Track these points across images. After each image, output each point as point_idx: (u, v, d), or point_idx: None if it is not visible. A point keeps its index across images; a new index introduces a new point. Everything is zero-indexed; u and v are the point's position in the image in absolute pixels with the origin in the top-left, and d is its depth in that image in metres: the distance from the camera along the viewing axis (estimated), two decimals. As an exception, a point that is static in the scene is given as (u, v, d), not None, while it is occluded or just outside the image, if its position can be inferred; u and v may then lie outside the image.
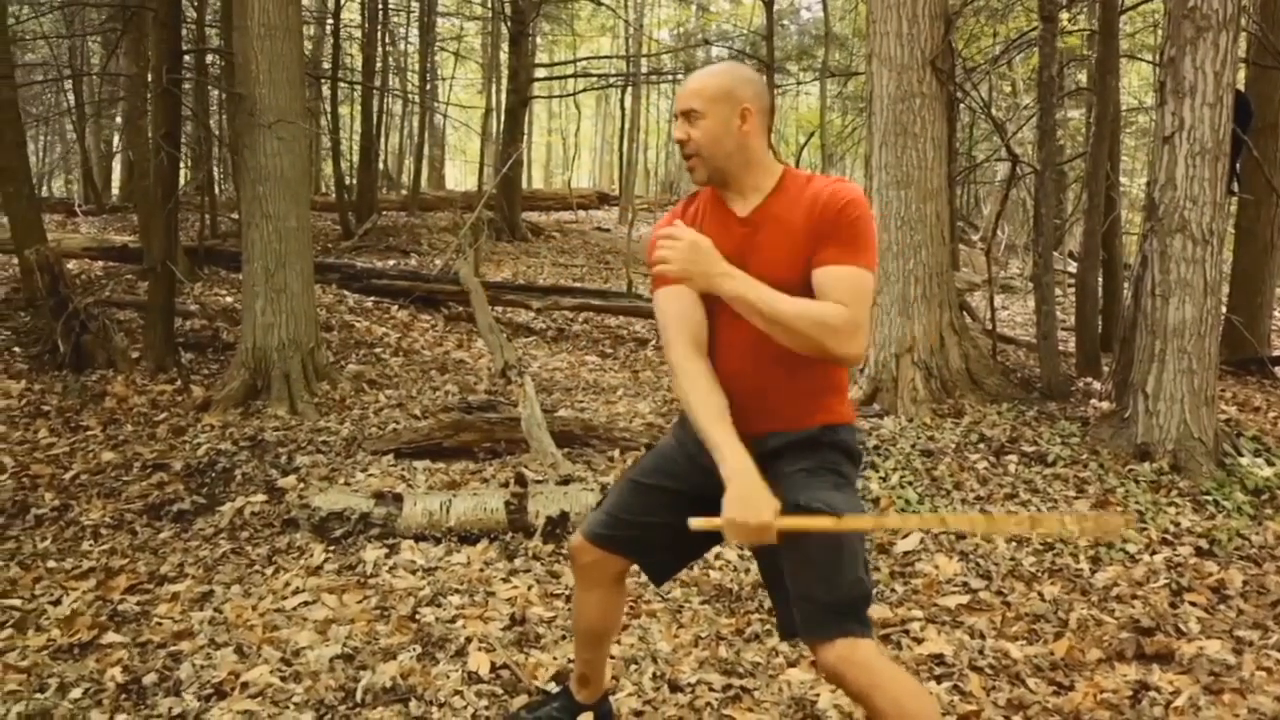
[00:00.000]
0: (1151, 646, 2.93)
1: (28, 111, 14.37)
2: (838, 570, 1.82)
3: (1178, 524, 3.92)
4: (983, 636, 3.05)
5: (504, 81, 14.99)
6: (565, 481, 4.09)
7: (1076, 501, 4.13)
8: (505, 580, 3.42)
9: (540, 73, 16.62)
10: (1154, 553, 3.68)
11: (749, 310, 1.80)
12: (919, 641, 3.02)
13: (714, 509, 2.00)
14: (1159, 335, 4.54)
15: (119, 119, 14.86)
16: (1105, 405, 4.94)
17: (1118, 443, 4.64)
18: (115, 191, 17.53)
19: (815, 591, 1.82)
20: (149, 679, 2.75)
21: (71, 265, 8.40)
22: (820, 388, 1.96)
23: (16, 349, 6.41)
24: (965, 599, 3.32)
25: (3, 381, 5.75)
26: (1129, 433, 4.61)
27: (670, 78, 18.22)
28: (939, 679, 2.79)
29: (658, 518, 2.07)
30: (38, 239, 6.53)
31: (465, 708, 2.59)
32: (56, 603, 3.31)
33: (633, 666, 2.82)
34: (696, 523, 1.86)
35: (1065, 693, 2.71)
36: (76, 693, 2.68)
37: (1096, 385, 5.31)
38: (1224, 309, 4.75)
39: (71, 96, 15.26)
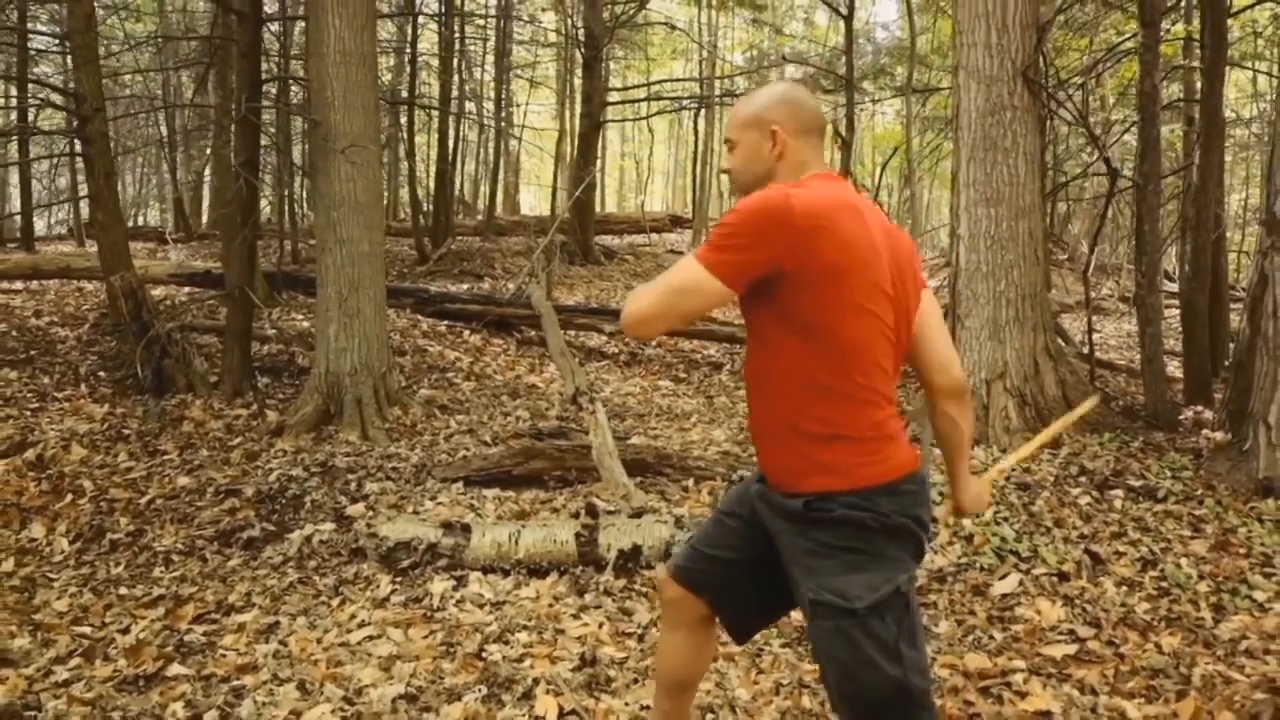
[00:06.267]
0: (1291, 710, 2.62)
1: (125, 145, 15.00)
2: (865, 668, 1.64)
3: (1310, 569, 3.56)
4: (1094, 692, 2.77)
5: (578, 106, 15.04)
6: (638, 513, 3.93)
7: (1193, 542, 3.79)
8: (575, 617, 3.27)
9: (613, 97, 16.64)
10: (1286, 601, 3.33)
11: None
12: (1022, 696, 2.76)
13: (771, 548, 1.82)
14: (1281, 360, 4.17)
15: (209, 150, 15.38)
16: (1219, 436, 4.57)
17: (1236, 477, 4.27)
18: (205, 220, 18.14)
19: (845, 690, 1.66)
20: (210, 716, 2.67)
21: (158, 291, 8.63)
22: (804, 444, 1.70)
23: (102, 373, 6.56)
24: (1072, 649, 3.04)
25: (87, 405, 5.87)
26: (1249, 466, 4.24)
27: (744, 99, 18.04)
28: (1047, 740, 2.53)
29: (732, 553, 1.94)
30: (124, 266, 6.69)
31: (531, 757, 2.44)
32: (125, 631, 3.28)
33: (709, 716, 2.63)
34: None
35: (1194, 761, 2.43)
36: (137, 729, 2.62)
37: (1208, 414, 4.93)
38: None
39: (165, 128, 15.85)
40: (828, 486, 1.68)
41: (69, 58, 8.19)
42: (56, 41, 8.01)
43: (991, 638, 3.14)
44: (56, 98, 8.22)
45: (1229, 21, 8.53)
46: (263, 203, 10.47)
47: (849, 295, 1.64)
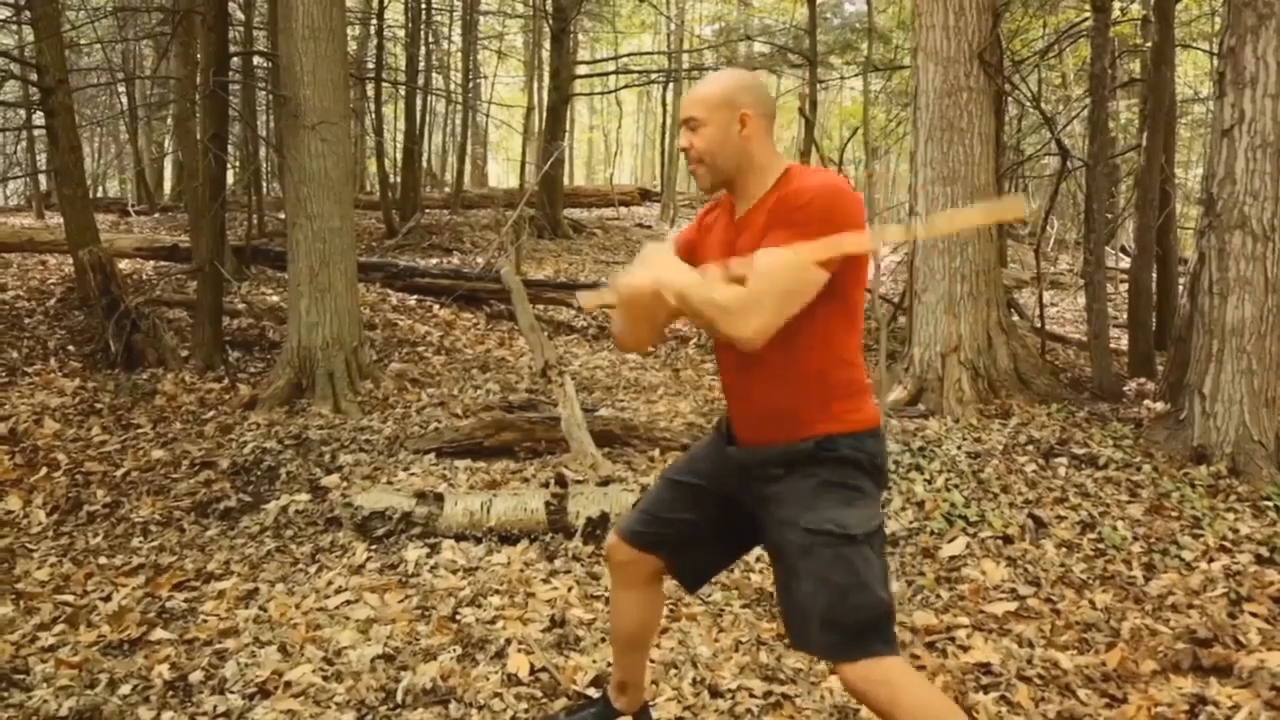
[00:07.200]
0: (1209, 658, 2.83)
1: (83, 114, 14.75)
2: (860, 590, 1.77)
3: (1236, 530, 3.79)
4: (1031, 645, 2.97)
5: (546, 79, 15.01)
6: (605, 482, 4.08)
7: (1129, 506, 4.02)
8: (545, 581, 3.41)
9: (582, 70, 16.62)
10: (1211, 560, 3.56)
11: (677, 300, 1.79)
12: (965, 649, 2.95)
13: (740, 512, 2.01)
14: (1216, 334, 4.40)
15: (170, 121, 15.18)
16: (1159, 406, 4.80)
17: (1173, 445, 4.51)
18: (167, 192, 17.91)
19: (837, 613, 1.76)
20: (195, 676, 2.78)
21: (124, 265, 8.59)
22: (819, 396, 1.88)
23: (71, 348, 6.57)
24: (1013, 606, 3.24)
25: (57, 380, 5.89)
26: (1184, 435, 4.48)
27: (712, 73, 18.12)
28: (985, 689, 2.73)
29: (689, 514, 2.09)
30: (91, 240, 6.68)
31: (504, 710, 2.59)
32: (107, 599, 3.37)
33: (672, 671, 2.79)
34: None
35: (1118, 705, 2.63)
36: (125, 689, 2.73)
37: (1150, 386, 5.16)
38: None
39: (125, 99, 15.60)
40: (830, 430, 1.87)
41: (27, 28, 8.07)
42: (12, 11, 7.89)
43: (939, 596, 3.33)
44: (16, 69, 8.13)
45: (1184, 2, 8.76)
46: (229, 176, 10.40)
47: (864, 270, 1.87)
